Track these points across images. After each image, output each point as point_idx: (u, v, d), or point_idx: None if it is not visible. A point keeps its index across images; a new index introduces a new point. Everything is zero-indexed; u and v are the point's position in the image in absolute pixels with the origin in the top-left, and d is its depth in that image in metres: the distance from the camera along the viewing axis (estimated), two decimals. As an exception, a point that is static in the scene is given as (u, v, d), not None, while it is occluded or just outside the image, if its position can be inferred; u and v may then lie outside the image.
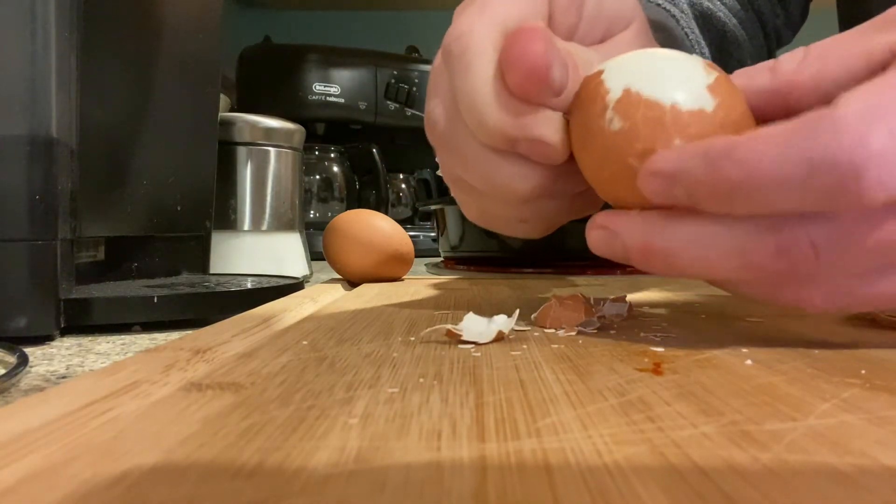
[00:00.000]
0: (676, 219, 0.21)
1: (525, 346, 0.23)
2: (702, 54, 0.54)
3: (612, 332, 0.26)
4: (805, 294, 0.20)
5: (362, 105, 1.18)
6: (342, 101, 1.17)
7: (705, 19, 0.56)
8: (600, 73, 0.23)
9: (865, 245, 0.18)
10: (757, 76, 0.22)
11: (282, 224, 0.69)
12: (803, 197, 0.18)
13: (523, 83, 0.23)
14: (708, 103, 0.21)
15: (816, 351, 0.21)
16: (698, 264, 0.20)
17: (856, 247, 0.19)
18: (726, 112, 0.21)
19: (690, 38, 0.54)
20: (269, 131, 0.67)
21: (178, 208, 0.49)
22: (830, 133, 0.17)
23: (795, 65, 0.22)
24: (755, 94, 0.22)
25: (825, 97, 0.19)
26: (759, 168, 0.18)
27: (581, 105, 0.23)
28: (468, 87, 0.24)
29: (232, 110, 0.94)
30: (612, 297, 0.31)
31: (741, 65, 0.61)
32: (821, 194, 0.18)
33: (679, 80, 0.21)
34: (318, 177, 1.15)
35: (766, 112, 0.22)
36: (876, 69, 0.20)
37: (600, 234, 0.23)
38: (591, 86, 0.23)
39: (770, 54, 0.67)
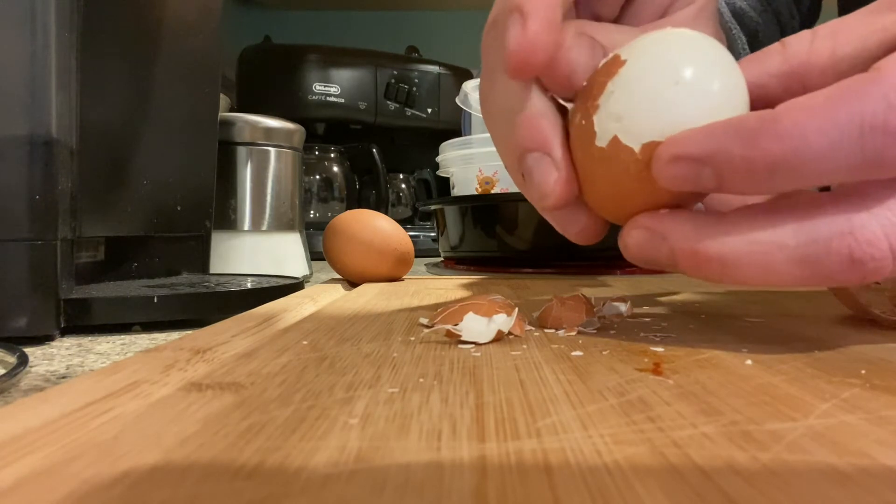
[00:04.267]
0: (734, 222, 0.19)
1: (525, 346, 0.23)
2: (744, 50, 0.53)
3: (612, 332, 0.26)
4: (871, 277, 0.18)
5: (362, 105, 1.18)
6: (342, 101, 1.17)
7: (738, 18, 0.55)
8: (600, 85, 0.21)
9: None
10: (768, 60, 0.21)
11: (282, 224, 0.69)
12: (853, 166, 0.17)
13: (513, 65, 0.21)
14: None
15: (816, 351, 0.21)
16: (759, 275, 0.18)
17: None
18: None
19: (734, 31, 0.53)
20: (269, 131, 0.67)
21: (178, 208, 0.49)
22: (879, 95, 0.16)
23: (808, 45, 0.21)
24: (769, 78, 0.21)
25: (842, 76, 0.18)
26: (805, 140, 0.17)
27: (578, 99, 0.22)
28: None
29: (232, 110, 0.94)
30: (612, 297, 0.31)
31: None
32: (872, 161, 0.17)
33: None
34: (318, 177, 1.15)
35: (781, 96, 0.21)
36: (892, 45, 0.19)
37: (642, 236, 0.21)
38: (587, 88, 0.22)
39: None
